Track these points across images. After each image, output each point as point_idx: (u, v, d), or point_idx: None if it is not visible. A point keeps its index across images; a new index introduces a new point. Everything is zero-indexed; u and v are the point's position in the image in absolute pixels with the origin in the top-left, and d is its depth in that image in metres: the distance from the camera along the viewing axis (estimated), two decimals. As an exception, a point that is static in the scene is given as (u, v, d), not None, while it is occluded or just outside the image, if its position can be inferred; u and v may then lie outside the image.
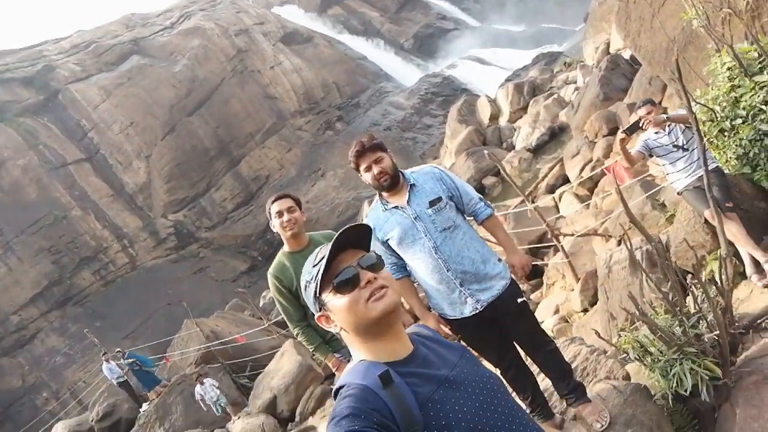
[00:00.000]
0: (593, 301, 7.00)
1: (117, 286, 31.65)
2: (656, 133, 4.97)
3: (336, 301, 1.46)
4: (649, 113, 4.94)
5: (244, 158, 36.04)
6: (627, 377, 3.50)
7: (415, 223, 3.04)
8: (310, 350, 3.79)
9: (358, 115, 39.62)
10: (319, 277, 1.45)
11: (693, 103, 4.19)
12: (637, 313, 3.06)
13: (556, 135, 20.24)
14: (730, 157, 5.18)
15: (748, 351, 3.28)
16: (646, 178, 7.74)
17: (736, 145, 5.01)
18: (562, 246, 8.58)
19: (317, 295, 1.48)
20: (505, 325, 3.15)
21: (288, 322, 3.72)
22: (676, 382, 2.97)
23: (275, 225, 3.63)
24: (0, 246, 29.60)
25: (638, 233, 7.41)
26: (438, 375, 1.45)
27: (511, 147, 22.56)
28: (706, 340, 2.96)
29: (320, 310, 1.51)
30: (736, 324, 3.36)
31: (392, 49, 49.08)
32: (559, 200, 12.71)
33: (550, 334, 7.29)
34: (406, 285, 3.31)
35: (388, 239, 3.15)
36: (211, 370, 15.16)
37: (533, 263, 10.27)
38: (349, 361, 1.57)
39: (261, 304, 22.88)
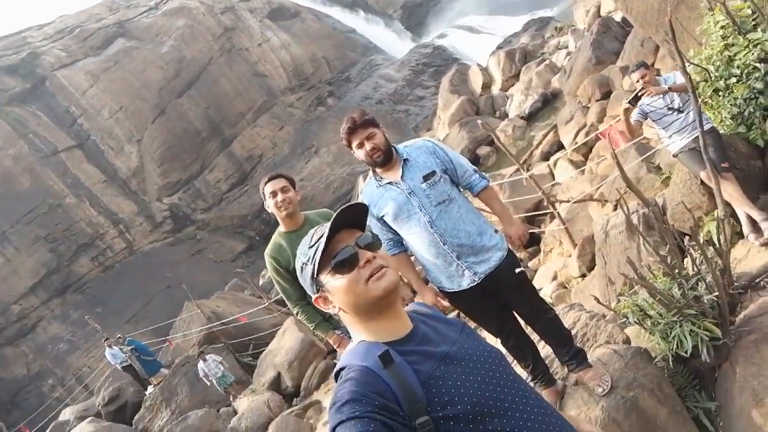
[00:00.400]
0: (591, 267, 7.02)
1: (116, 272, 31.68)
2: (650, 97, 4.92)
3: (335, 282, 1.44)
4: (643, 77, 4.89)
5: (236, 138, 35.78)
6: (627, 341, 3.52)
7: (409, 198, 3.02)
8: (311, 328, 3.79)
9: (349, 89, 39.25)
10: (317, 258, 1.43)
11: (687, 64, 4.14)
12: (636, 277, 3.06)
13: (549, 101, 20.11)
14: (725, 117, 5.15)
15: (746, 310, 3.29)
16: (641, 141, 7.70)
17: (731, 105, 4.98)
18: (558, 213, 8.58)
19: (315, 276, 1.46)
20: (504, 296, 3.15)
21: (287, 302, 3.72)
22: (676, 344, 2.99)
23: (270, 205, 3.60)
24: (-4, 237, 29.56)
25: (634, 197, 7.42)
26: (438, 352, 1.44)
27: (505, 115, 22.43)
28: (705, 302, 2.97)
29: (318, 292, 1.49)
30: (735, 284, 3.36)
31: (381, 20, 48.48)
32: (554, 167, 12.69)
33: (548, 301, 7.35)
34: (403, 260, 3.32)
35: (384, 215, 3.13)
36: (214, 350, 15.27)
37: (530, 231, 10.31)
38: (350, 337, 1.56)
39: (260, 283, 22.96)
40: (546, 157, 14.79)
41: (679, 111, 4.93)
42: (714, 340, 2.93)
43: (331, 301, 1.48)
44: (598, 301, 3.39)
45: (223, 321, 16.12)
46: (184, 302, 19.07)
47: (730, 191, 4.44)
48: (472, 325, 3.44)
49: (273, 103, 37.30)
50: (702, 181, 4.80)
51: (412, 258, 3.38)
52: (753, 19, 4.67)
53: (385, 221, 3.17)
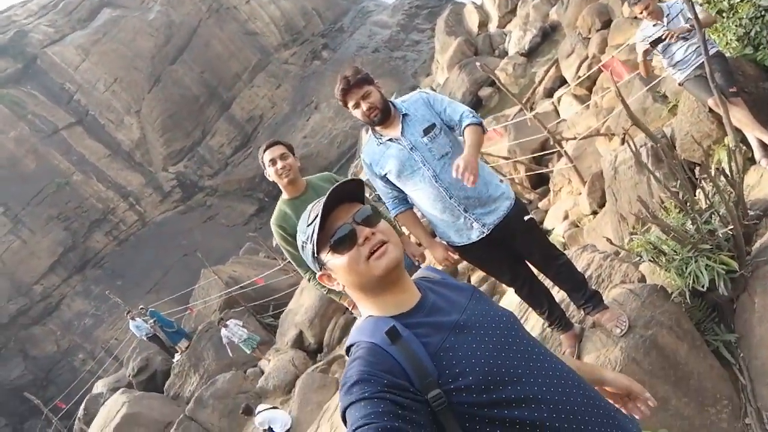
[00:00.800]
0: (602, 203, 6.96)
1: (131, 244, 32.00)
2: (654, 25, 4.75)
3: (335, 261, 1.40)
4: (646, 8, 4.71)
5: (235, 100, 35.42)
6: (642, 279, 3.50)
7: (411, 153, 2.96)
8: (324, 293, 3.81)
9: (343, 40, 38.47)
10: (315, 238, 1.40)
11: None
12: (648, 215, 3.02)
13: (548, 35, 19.64)
14: (731, 39, 4.99)
15: (762, 238, 3.25)
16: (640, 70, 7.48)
17: (736, 26, 4.81)
18: (565, 151, 8.47)
19: (315, 255, 1.43)
20: (514, 245, 3.12)
21: (298, 269, 3.72)
22: (693, 280, 2.97)
23: (270, 174, 3.56)
24: (9, 220, 29.78)
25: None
26: (448, 321, 1.41)
27: (504, 53, 21.98)
28: (720, 235, 2.93)
29: (320, 269, 1.46)
30: (750, 214, 3.32)
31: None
32: (558, 104, 12.46)
33: (561, 241, 7.34)
34: (409, 217, 3.27)
35: (386, 173, 3.08)
36: (235, 314, 15.53)
37: (538, 172, 10.23)
38: None
39: (274, 244, 23.11)
40: (549, 93, 14.52)
41: (683, 38, 4.76)
42: (731, 272, 2.90)
43: (334, 278, 1.45)
44: (611, 242, 3.37)
45: (241, 285, 16.34)
46: (201, 269, 19.32)
47: (740, 116, 4.34)
48: (483, 286, 3.44)
49: (268, 62, 36.71)
50: (710, 108, 4.68)
51: (419, 214, 3.35)
52: (757, -67, 4.47)
53: (388, 179, 3.12)
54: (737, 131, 4.39)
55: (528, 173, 10.32)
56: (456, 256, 3.24)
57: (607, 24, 13.50)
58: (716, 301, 3.10)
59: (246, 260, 21.33)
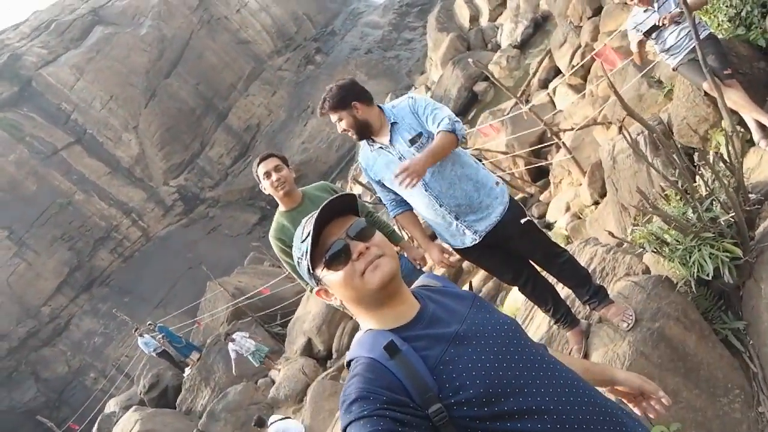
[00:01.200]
0: (603, 193, 6.91)
1: (136, 260, 32.04)
2: (645, 11, 4.69)
3: (331, 277, 1.39)
4: None
5: (231, 110, 35.44)
6: (647, 270, 3.45)
7: (400, 162, 2.94)
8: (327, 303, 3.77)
9: (335, 43, 38.45)
10: (308, 255, 1.37)
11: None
12: (648, 206, 2.98)
13: (540, 26, 19.56)
14: (722, 21, 4.94)
15: (765, 222, 3.20)
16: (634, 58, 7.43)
17: (727, 6, 4.76)
18: (563, 142, 8.42)
19: (311, 271, 1.41)
20: (513, 246, 3.08)
21: (300, 281, 3.70)
22: (697, 269, 2.92)
23: (265, 187, 3.53)
24: (14, 243, 29.84)
25: (641, 113, 7.23)
26: (447, 332, 1.38)
27: (497, 47, 21.90)
28: (722, 222, 2.89)
29: (317, 285, 1.44)
30: (751, 198, 3.27)
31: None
32: (554, 94, 12.40)
33: (564, 233, 7.29)
34: (408, 218, 3.26)
35: (380, 179, 3.08)
36: (243, 324, 15.52)
37: (538, 165, 10.17)
38: None
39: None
40: (544, 84, 14.46)
41: (676, 22, 4.71)
42: (735, 259, 2.86)
43: (331, 293, 1.44)
44: (612, 235, 3.33)
45: (247, 296, 16.31)
46: (207, 281, 19.31)
47: (735, 98, 4.28)
48: (489, 283, 3.40)
49: (262, 69, 36.72)
50: (705, 92, 4.63)
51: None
52: None
53: (383, 184, 3.12)
54: (734, 113, 4.33)
55: (527, 167, 10.27)
56: (452, 258, 3.22)
57: (598, 11, 13.41)
58: (722, 288, 3.05)
59: (251, 270, 21.32)
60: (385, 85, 32.74)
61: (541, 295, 3.27)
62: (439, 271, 8.88)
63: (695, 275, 2.95)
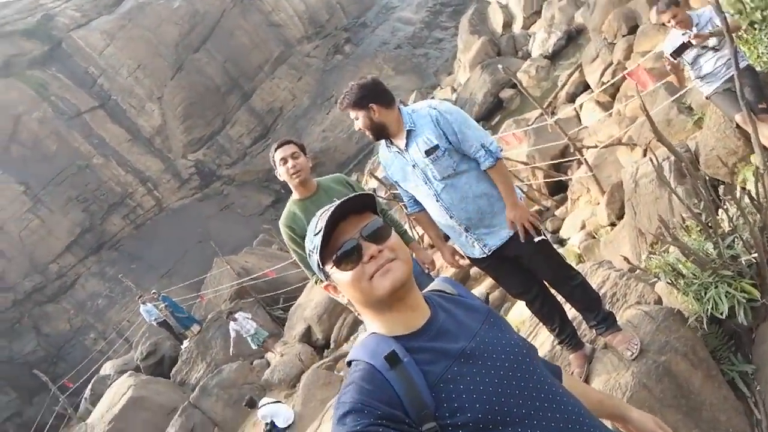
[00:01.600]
0: (620, 215, 6.82)
1: (147, 229, 32.24)
2: (683, 34, 4.60)
3: (339, 276, 1.34)
4: (674, 16, 4.56)
5: (256, 91, 35.45)
6: (658, 301, 3.38)
7: (414, 169, 2.91)
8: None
9: (366, 35, 38.31)
10: (318, 251, 1.33)
11: None
12: (668, 235, 2.91)
13: (573, 38, 19.42)
14: (762, 53, 4.84)
15: (786, 266, 3.12)
16: (671, 80, 7.32)
17: (769, 39, 4.66)
18: (585, 159, 8.32)
19: (320, 266, 1.36)
20: (525, 263, 3.03)
21: (306, 272, 3.66)
22: (712, 306, 2.85)
23: (281, 173, 3.49)
24: (29, 199, 30.11)
25: (668, 138, 7.12)
26: (454, 348, 1.32)
27: (527, 55, 21.75)
28: (743, 262, 2.81)
29: (326, 280, 1.41)
30: (774, 240, 3.18)
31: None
32: (580, 110, 12.27)
33: (576, 252, 7.20)
34: (424, 217, 3.23)
35: (397, 180, 3.06)
36: (246, 304, 15.58)
37: (556, 180, 10.06)
38: None
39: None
40: (572, 98, 14.33)
41: (714, 49, 4.61)
42: (752, 301, 2.78)
43: (339, 291, 1.40)
44: (628, 261, 3.26)
45: (252, 276, 16.36)
46: (214, 258, 19.40)
47: (768, 134, 4.19)
48: (495, 292, 3.36)
49: (290, 54, 36.69)
50: (737, 124, 4.53)
51: None
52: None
53: (400, 185, 3.11)
54: (766, 150, 4.24)
55: (546, 180, 10.17)
56: (463, 261, 3.19)
57: (633, 30, 13.26)
58: (734, 329, 2.98)
59: (259, 251, 21.39)
60: (412, 82, 32.60)
61: (549, 314, 3.20)
62: (449, 272, 8.84)
63: (708, 312, 2.88)
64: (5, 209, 29.33)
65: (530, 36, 22.79)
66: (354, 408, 1.20)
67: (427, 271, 3.79)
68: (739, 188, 3.35)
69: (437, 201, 2.92)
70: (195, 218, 31.94)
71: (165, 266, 29.81)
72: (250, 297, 16.26)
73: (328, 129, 33.60)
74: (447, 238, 3.33)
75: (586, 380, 3.05)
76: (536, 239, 2.94)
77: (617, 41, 13.64)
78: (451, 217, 2.93)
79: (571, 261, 6.78)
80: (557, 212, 9.53)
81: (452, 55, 31.50)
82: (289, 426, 9.41)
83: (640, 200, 5.16)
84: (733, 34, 4.48)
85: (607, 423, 1.54)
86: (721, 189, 4.43)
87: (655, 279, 3.27)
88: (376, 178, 13.31)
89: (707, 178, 4.62)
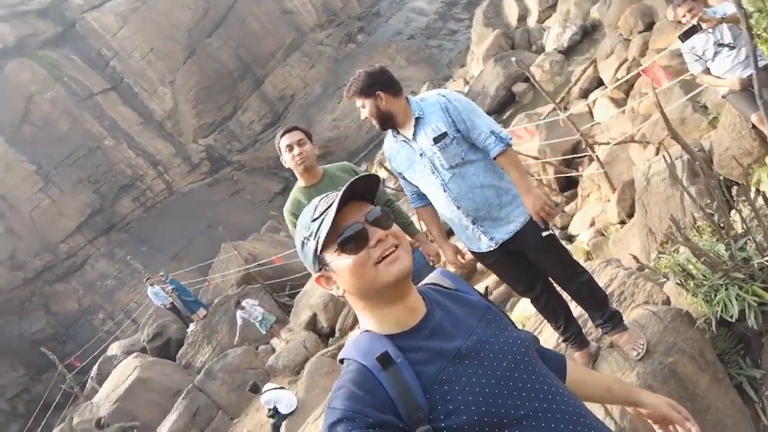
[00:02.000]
0: (631, 212, 6.76)
1: (157, 212, 32.37)
2: (699, 33, 4.53)
3: (340, 262, 1.28)
4: (690, 10, 4.49)
5: (268, 78, 35.38)
6: (667, 301, 3.34)
7: (421, 159, 2.87)
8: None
9: (379, 24, 38.08)
10: (323, 234, 1.27)
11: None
12: (679, 236, 2.87)
13: (588, 33, 19.22)
14: (782, 53, 4.75)
15: (799, 270, 3.07)
16: (686, 78, 7.23)
17: (789, 39, 4.58)
18: (596, 156, 8.25)
19: (318, 253, 1.30)
20: (531, 258, 3.00)
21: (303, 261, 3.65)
22: (721, 308, 2.82)
23: (286, 160, 3.47)
24: (41, 179, 30.29)
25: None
26: (449, 348, 1.28)
27: (541, 49, 21.54)
28: (755, 264, 2.77)
29: (320, 270, 1.34)
30: (788, 243, 3.13)
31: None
32: (594, 105, 12.17)
33: (585, 249, 7.16)
34: (427, 213, 3.19)
35: (401, 171, 3.02)
36: (252, 290, 15.63)
37: (566, 175, 9.99)
38: None
39: (295, 224, 23.15)
40: (585, 94, 14.20)
41: (730, 47, 4.53)
42: (762, 305, 2.74)
43: (334, 281, 1.33)
44: (637, 260, 3.22)
45: (259, 262, 16.40)
46: (222, 243, 19.48)
47: (785, 136, 4.13)
48: (500, 288, 3.33)
49: (302, 41, 36.54)
50: (753, 125, 4.47)
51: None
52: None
53: (404, 176, 3.06)
54: (781, 151, 4.19)
55: (557, 175, 10.11)
56: (465, 261, 3.17)
57: (649, 26, 13.11)
58: (744, 333, 2.94)
59: (267, 238, 21.44)
60: (424, 73, 32.42)
61: (553, 312, 3.18)
62: (451, 269, 8.81)
63: (718, 315, 2.84)
64: (17, 188, 29.51)
65: (545, 30, 22.55)
66: (345, 416, 1.16)
67: (431, 263, 3.77)
68: (753, 189, 3.30)
69: (444, 191, 2.88)
70: (204, 203, 32.04)
71: (174, 249, 29.96)
72: (257, 283, 16.31)
73: (339, 118, 33.52)
74: (450, 233, 3.30)
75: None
76: (543, 234, 2.91)
77: (633, 38, 13.49)
78: (458, 208, 2.89)
79: (580, 258, 6.74)
80: (567, 208, 9.48)
81: (465, 48, 31.28)
82: (291, 412, 9.45)
83: (651, 199, 5.10)
84: (753, 33, 4.41)
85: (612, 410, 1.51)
86: (734, 190, 4.37)
87: (664, 279, 3.23)
88: (386, 168, 13.26)
89: (721, 178, 4.56)
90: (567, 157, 9.73)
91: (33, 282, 29.06)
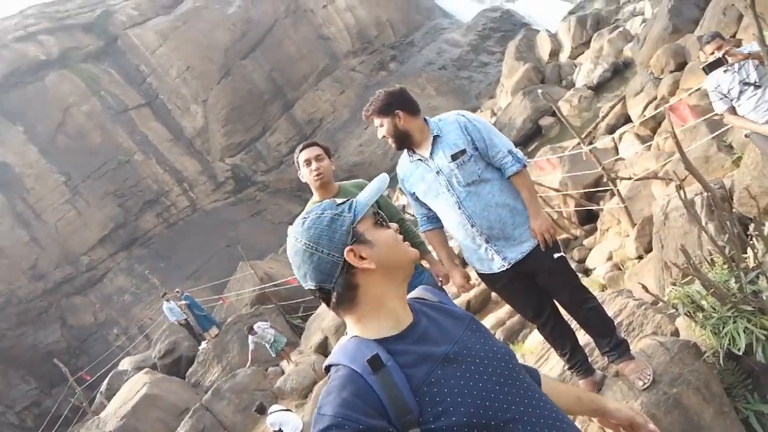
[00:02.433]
0: (649, 248, 6.65)
1: (179, 229, 32.69)
2: (725, 72, 4.49)
3: (380, 233, 1.36)
4: (718, 48, 4.46)
5: (298, 101, 35.91)
6: (676, 333, 3.27)
7: (437, 177, 2.88)
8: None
9: (412, 54, 38.55)
10: (361, 209, 1.36)
11: (766, 30, 3.74)
12: (690, 267, 2.81)
13: (619, 71, 19.21)
14: (808, 92, 4.67)
15: (813, 308, 2.98)
16: (713, 117, 7.16)
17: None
18: (617, 190, 8.16)
19: (353, 225, 1.35)
20: (541, 281, 2.97)
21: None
22: (729, 341, 2.74)
23: (304, 175, 3.51)
24: (69, 190, 30.86)
25: (705, 175, 6.94)
26: (437, 352, 1.30)
27: (571, 85, 21.58)
28: (765, 298, 2.69)
29: (351, 243, 1.33)
30: (802, 279, 3.04)
31: (448, -19, 47.08)
32: (619, 141, 12.09)
33: (600, 282, 7.04)
34: (437, 236, 3.21)
35: (415, 192, 3.02)
36: (265, 310, 15.63)
37: (587, 209, 9.89)
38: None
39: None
40: (611, 130, 14.14)
41: (756, 86, 4.49)
42: (772, 339, 2.66)
43: (365, 257, 1.32)
44: (647, 290, 3.16)
45: (274, 282, 16.42)
46: (239, 262, 19.56)
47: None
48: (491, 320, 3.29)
49: (335, 67, 37.12)
50: (776, 163, 4.39)
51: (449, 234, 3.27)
52: None
53: (417, 197, 3.06)
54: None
55: (577, 208, 10.02)
56: (469, 284, 3.16)
57: (681, 66, 13.07)
58: (752, 367, 2.85)
59: (284, 258, 21.45)
60: (452, 104, 32.61)
61: (559, 338, 3.14)
62: (457, 300, 8.73)
63: (726, 347, 2.77)
64: (45, 198, 30.09)
65: (576, 66, 22.62)
66: (334, 422, 1.17)
67: (440, 284, 3.74)
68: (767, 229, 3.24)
69: (459, 209, 2.88)
70: (226, 222, 32.32)
71: (192, 267, 30.15)
72: (271, 303, 16.31)
73: (365, 144, 33.80)
74: (463, 264, 3.29)
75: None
76: (555, 255, 2.90)
77: (664, 76, 13.45)
78: (472, 226, 2.89)
79: (594, 290, 6.63)
80: (585, 242, 9.36)
81: (496, 80, 31.46)
82: (296, 434, 9.34)
83: (668, 233, 5.02)
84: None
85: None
86: (751, 228, 4.27)
87: (674, 311, 3.16)
88: (407, 194, 13.28)
89: (738, 215, 4.47)
90: (588, 190, 9.65)
91: (52, 293, 29.39)
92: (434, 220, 3.14)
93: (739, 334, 2.63)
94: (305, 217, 1.40)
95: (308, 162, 3.48)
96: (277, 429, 9.45)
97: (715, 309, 2.81)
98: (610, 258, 7.65)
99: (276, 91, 35.49)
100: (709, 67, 4.42)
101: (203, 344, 16.25)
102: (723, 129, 6.79)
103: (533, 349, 4.69)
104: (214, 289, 21.87)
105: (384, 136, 2.96)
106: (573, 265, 8.34)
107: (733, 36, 11.18)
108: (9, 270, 28.48)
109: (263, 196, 34.38)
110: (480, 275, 3.14)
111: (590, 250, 8.79)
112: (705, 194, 4.82)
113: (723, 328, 2.73)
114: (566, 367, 3.21)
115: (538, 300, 3.08)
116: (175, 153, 33.84)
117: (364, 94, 36.30)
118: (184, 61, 34.30)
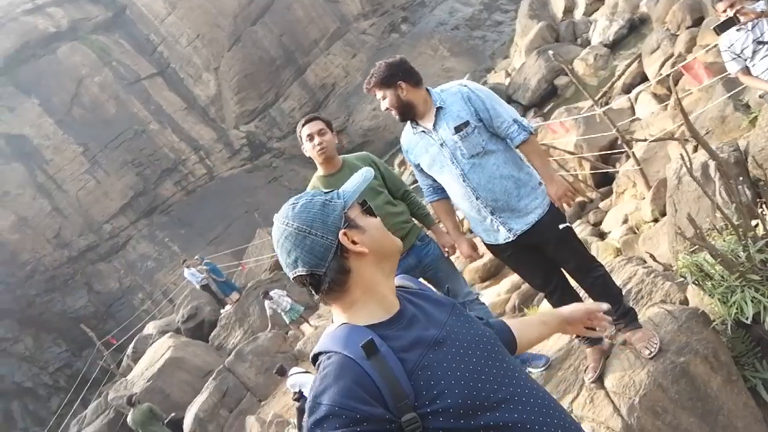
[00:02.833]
0: (664, 212, 6.60)
1: (198, 196, 33.00)
2: (738, 30, 4.38)
3: (370, 220, 1.41)
4: (731, 5, 4.35)
5: (310, 66, 35.62)
6: (685, 302, 3.29)
7: (441, 149, 2.88)
8: None
9: (423, 14, 37.84)
10: (350, 197, 1.40)
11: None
12: (697, 236, 2.82)
13: (635, 28, 18.75)
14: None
15: (823, 275, 2.98)
16: (728, 75, 7.01)
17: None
18: (633, 153, 8.07)
19: (345, 210, 1.38)
20: (548, 251, 2.99)
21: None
22: (737, 310, 2.76)
23: (307, 149, 3.53)
24: (87, 160, 31.20)
25: (720, 136, 6.84)
26: (427, 336, 1.32)
27: (587, 42, 21.12)
28: (773, 267, 2.70)
29: (344, 227, 1.36)
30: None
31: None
32: (636, 101, 11.88)
33: (615, 246, 7.04)
34: (443, 206, 3.22)
35: (419, 163, 3.03)
36: (283, 276, 15.81)
37: (603, 171, 9.81)
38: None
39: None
40: (628, 89, 13.88)
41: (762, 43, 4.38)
42: (779, 308, 2.68)
43: (357, 241, 1.35)
44: (654, 259, 3.18)
45: (292, 249, 16.56)
46: (257, 228, 19.76)
47: (823, 138, 3.98)
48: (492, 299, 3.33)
49: (346, 30, 36.62)
50: (791, 125, 4.32)
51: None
52: None
53: (422, 168, 3.07)
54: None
55: (592, 171, 9.93)
56: (477, 254, 3.18)
57: (698, 22, 12.71)
58: (761, 335, 2.88)
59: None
60: (466, 65, 32.14)
61: (568, 307, 3.17)
62: (472, 266, 8.75)
63: (734, 316, 2.79)
64: (65, 169, 30.46)
65: (591, 23, 22.08)
66: (331, 412, 1.17)
67: (446, 254, 3.77)
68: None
69: (464, 181, 2.88)
70: (243, 188, 32.52)
71: (212, 233, 30.55)
72: (290, 269, 16.48)
73: (378, 108, 33.22)
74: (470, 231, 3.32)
75: (601, 376, 3.01)
76: (561, 226, 2.91)
77: (680, 33, 13.12)
78: (477, 198, 2.89)
79: (609, 255, 6.64)
80: (601, 205, 9.32)
81: (510, 39, 30.88)
82: (316, 397, 9.54)
83: (682, 198, 4.97)
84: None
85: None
86: (762, 191, 4.24)
87: (683, 279, 3.18)
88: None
89: (752, 179, 4.42)
90: (604, 153, 9.55)
91: (77, 261, 30.04)
92: (440, 190, 3.15)
93: (747, 303, 2.64)
94: (294, 203, 1.41)
95: (311, 137, 3.50)
96: (297, 390, 9.67)
97: (723, 278, 2.82)
98: (625, 221, 7.61)
99: (287, 56, 35.19)
100: (720, 27, 4.31)
101: (225, 308, 16.57)
102: (739, 88, 6.65)
103: (546, 315, 4.73)
104: (234, 255, 22.17)
105: (387, 108, 2.95)
106: (588, 229, 8.33)
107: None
108: (34, 239, 29.13)
109: (279, 163, 34.47)
110: (486, 245, 3.17)
111: (606, 213, 8.74)
112: (721, 156, 4.76)
113: (731, 297, 2.75)
114: (574, 335, 3.25)
115: (545, 269, 3.10)
116: (189, 122, 33.93)
117: (376, 57, 35.81)
118: (193, 29, 34.07)
